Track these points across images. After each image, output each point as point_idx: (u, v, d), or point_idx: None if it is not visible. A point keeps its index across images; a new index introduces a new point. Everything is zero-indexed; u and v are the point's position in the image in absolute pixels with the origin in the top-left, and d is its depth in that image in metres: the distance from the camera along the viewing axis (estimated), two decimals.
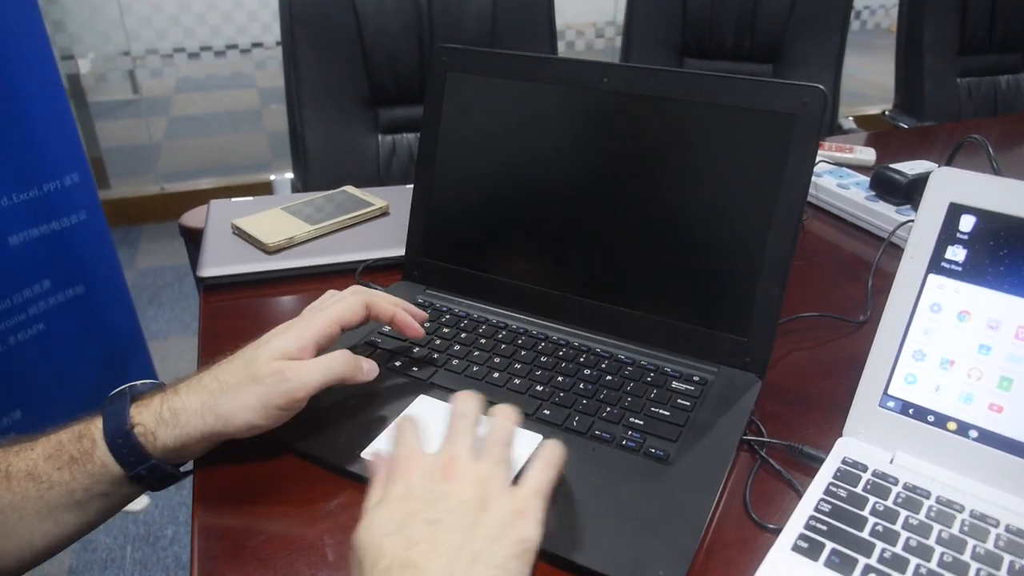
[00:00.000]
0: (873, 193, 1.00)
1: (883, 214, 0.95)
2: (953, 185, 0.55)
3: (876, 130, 1.50)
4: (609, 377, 0.63)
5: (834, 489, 0.52)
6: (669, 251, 0.66)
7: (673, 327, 0.66)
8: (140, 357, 1.73)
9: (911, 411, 0.56)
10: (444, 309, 0.73)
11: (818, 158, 1.13)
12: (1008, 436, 0.53)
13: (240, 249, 0.85)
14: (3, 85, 1.32)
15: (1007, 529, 0.49)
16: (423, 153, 0.76)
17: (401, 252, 0.79)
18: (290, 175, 1.43)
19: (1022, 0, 1.79)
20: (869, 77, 4.23)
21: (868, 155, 1.18)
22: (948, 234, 0.55)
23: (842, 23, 1.67)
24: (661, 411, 0.59)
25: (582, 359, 0.66)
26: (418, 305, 0.72)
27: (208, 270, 0.81)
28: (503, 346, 0.67)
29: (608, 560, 0.46)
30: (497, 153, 0.73)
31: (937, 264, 0.56)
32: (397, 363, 0.65)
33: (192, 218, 0.98)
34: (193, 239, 0.94)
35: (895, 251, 0.87)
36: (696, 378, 0.63)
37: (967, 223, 0.54)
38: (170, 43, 2.85)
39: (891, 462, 0.55)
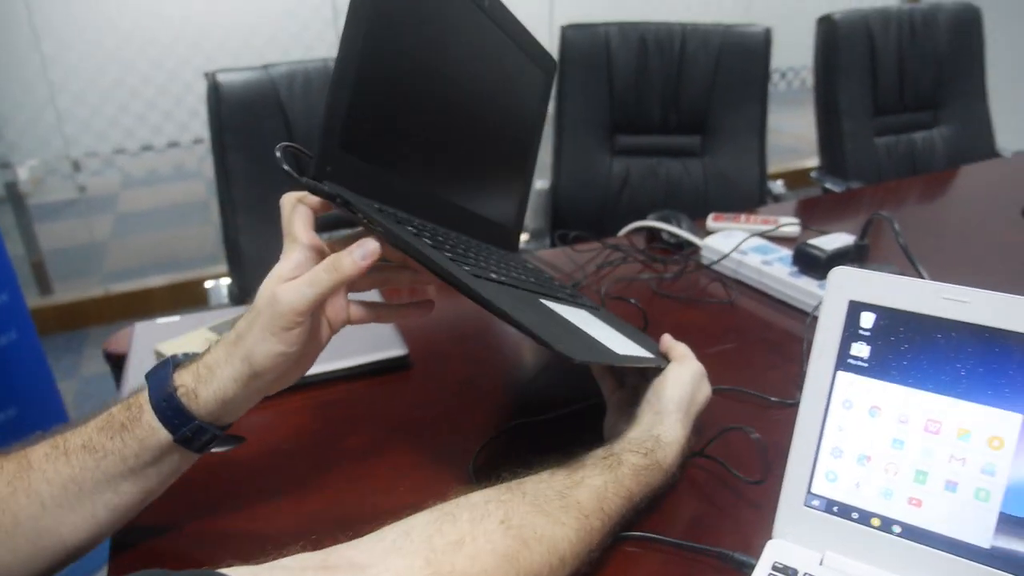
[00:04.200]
0: (796, 268, 1.02)
1: (806, 290, 0.97)
2: (851, 284, 0.56)
3: (807, 187, 1.55)
4: (515, 274, 0.70)
5: None
6: (486, 159, 0.79)
7: (497, 225, 0.83)
8: None
9: (835, 509, 0.56)
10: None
11: (745, 232, 1.15)
12: (930, 530, 0.53)
13: None
14: None
15: None
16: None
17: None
18: (227, 280, 1.41)
19: (926, 61, 1.89)
20: (798, 131, 4.39)
21: (793, 228, 1.21)
22: (851, 331, 0.56)
23: (761, 94, 1.74)
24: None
25: (495, 257, 0.72)
26: (325, 193, 0.63)
27: None
28: (439, 236, 0.63)
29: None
30: (421, 59, 0.67)
31: (844, 361, 0.56)
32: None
33: (117, 343, 0.96)
34: (119, 365, 0.92)
35: None
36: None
37: (868, 320, 0.56)
38: (110, 145, 2.85)
39: (820, 563, 0.55)
